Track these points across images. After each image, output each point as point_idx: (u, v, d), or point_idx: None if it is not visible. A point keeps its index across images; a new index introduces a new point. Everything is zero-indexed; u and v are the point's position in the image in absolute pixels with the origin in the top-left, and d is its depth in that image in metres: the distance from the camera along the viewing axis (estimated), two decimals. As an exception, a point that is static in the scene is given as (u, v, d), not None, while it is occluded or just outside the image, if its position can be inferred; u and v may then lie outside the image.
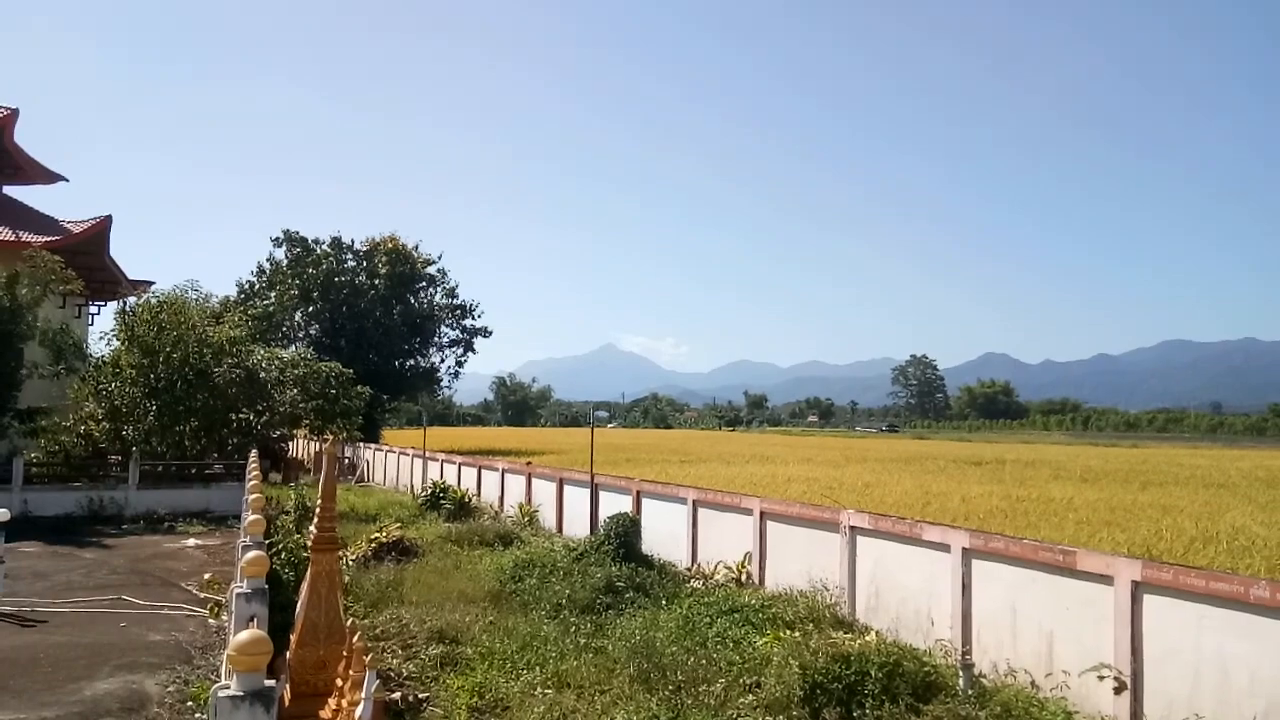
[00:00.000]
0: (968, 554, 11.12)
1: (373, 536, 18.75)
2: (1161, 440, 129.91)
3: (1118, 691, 8.87)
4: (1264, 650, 7.93)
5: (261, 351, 37.95)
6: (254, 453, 26.62)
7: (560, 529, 22.68)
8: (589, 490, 21.39)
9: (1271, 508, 23.36)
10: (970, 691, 8.97)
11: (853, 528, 13.21)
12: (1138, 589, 9.02)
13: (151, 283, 39.99)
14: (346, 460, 44.24)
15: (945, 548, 11.47)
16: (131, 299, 36.16)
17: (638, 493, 19.46)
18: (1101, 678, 8.97)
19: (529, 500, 24.79)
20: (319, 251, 63.73)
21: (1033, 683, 9.65)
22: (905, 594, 12.14)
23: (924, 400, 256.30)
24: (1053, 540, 12.80)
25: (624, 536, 16.72)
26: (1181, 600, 8.66)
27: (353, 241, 65.70)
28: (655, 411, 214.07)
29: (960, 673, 9.26)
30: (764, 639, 10.60)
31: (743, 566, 15.35)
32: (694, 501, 17.38)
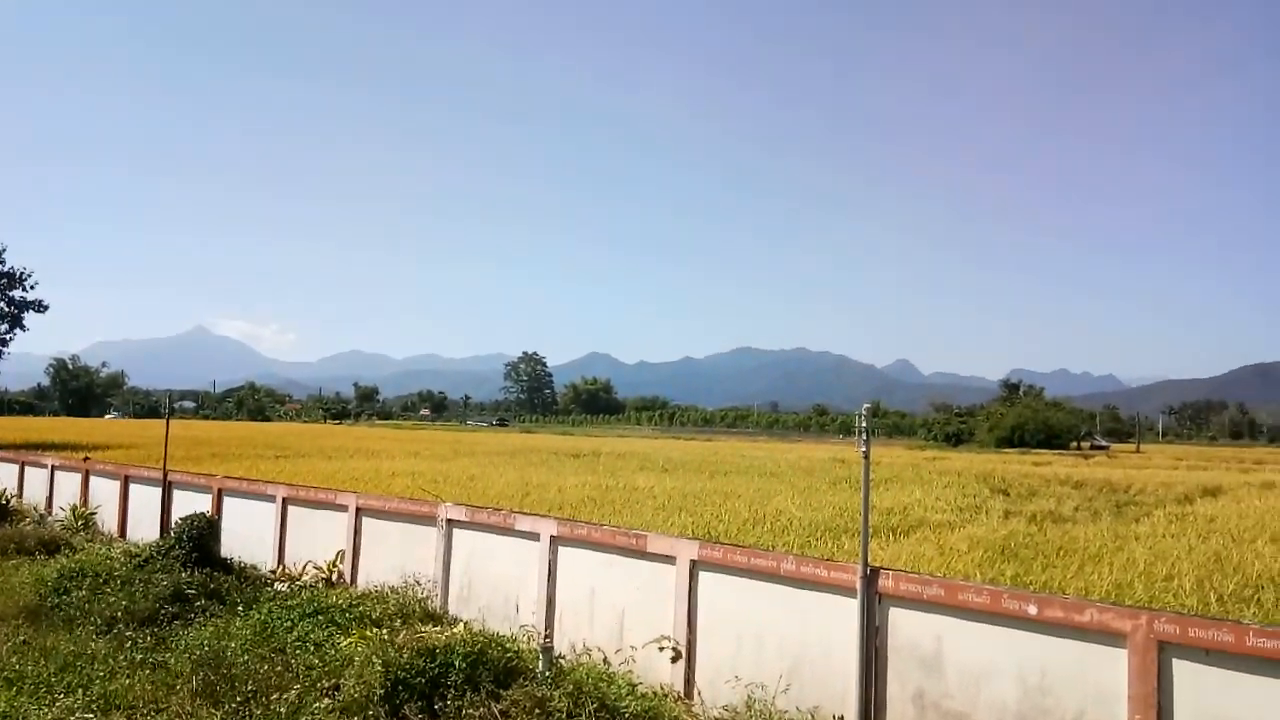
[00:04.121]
0: (555, 541, 11.69)
1: None
2: (731, 434, 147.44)
3: (674, 660, 9.87)
4: (790, 617, 9.27)
5: None
6: None
7: (123, 533, 20.15)
8: (161, 489, 19.21)
9: (808, 493, 27.45)
10: (549, 673, 9.42)
11: (449, 521, 13.27)
12: (695, 567, 10.10)
13: None
14: None
15: (535, 536, 11.95)
16: None
17: (219, 491, 17.88)
18: (662, 649, 9.92)
19: (85, 501, 21.71)
20: None
21: (605, 659, 10.39)
22: (496, 583, 12.46)
23: (534, 395, 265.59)
24: (633, 525, 13.90)
25: (199, 539, 15.25)
26: (729, 576, 9.84)
27: None
28: (252, 403, 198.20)
29: (540, 655, 9.69)
30: (349, 639, 10.26)
31: (334, 566, 14.74)
32: (284, 499, 16.36)
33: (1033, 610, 7.54)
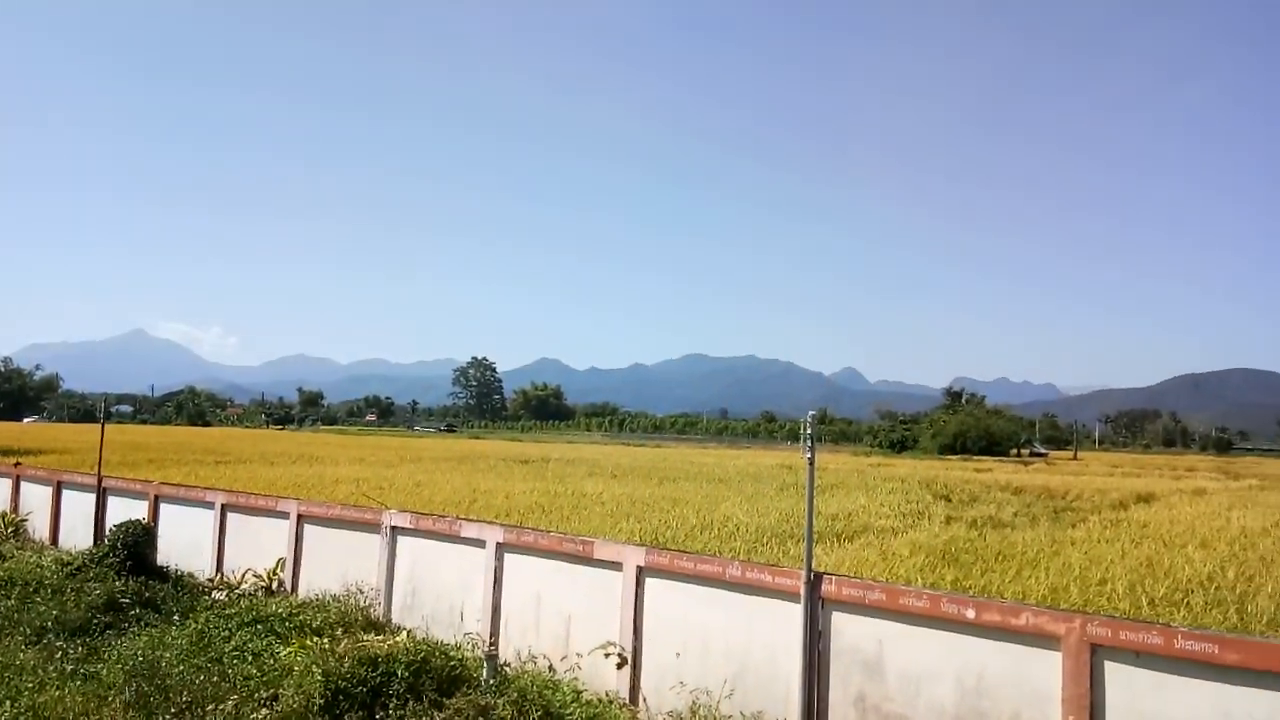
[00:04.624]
0: (501, 548, 11.61)
1: None
2: (680, 441, 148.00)
3: (620, 666, 9.86)
4: (736, 622, 9.32)
5: None
6: None
7: (55, 540, 19.54)
8: (95, 495, 18.68)
9: (755, 499, 27.68)
10: (493, 681, 9.35)
11: (394, 528, 13.11)
12: (641, 573, 10.11)
13: None
14: None
15: (481, 543, 11.86)
16: None
17: (156, 497, 17.44)
18: (608, 655, 9.91)
19: (15, 508, 21.03)
20: None
21: (551, 666, 10.34)
22: (441, 590, 12.33)
23: (483, 401, 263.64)
24: (580, 532, 13.88)
25: (134, 547, 14.89)
26: (676, 582, 9.87)
27: None
28: (192, 407, 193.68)
29: (485, 663, 9.61)
30: (288, 649, 10.06)
31: (274, 573, 14.46)
32: (223, 506, 16.01)
33: (971, 614, 7.69)
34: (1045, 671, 7.30)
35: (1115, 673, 7.03)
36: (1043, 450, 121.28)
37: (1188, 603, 12.84)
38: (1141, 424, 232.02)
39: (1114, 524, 23.36)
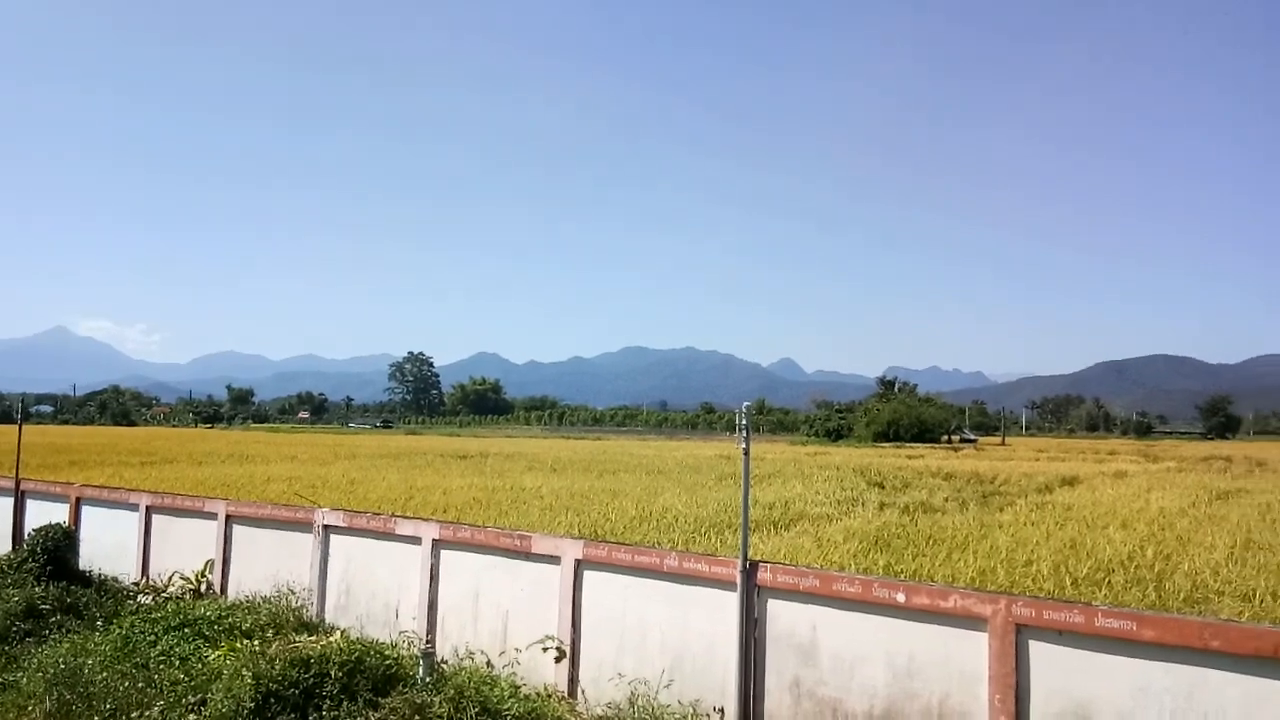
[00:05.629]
0: (437, 545, 11.48)
1: None
2: (620, 433, 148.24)
3: (559, 660, 9.84)
4: (673, 612, 9.37)
5: None
6: None
7: (-31, 547, 18.73)
8: (13, 499, 17.96)
9: (694, 489, 27.88)
10: (429, 679, 9.25)
11: (326, 526, 12.87)
12: (579, 566, 10.09)
13: None
14: None
15: (417, 540, 11.71)
16: None
17: (78, 499, 16.84)
18: (546, 649, 9.88)
19: (-76, 515, 20.08)
20: None
21: (489, 662, 10.28)
22: (376, 589, 12.15)
23: (420, 396, 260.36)
24: (519, 526, 13.82)
25: (55, 551, 14.38)
26: (614, 574, 9.88)
27: None
28: (116, 406, 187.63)
29: (421, 661, 9.51)
30: (217, 652, 9.82)
31: (203, 575, 14.10)
32: (148, 507, 15.53)
33: (901, 598, 7.85)
34: (973, 652, 7.49)
35: (1039, 651, 7.24)
36: (972, 436, 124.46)
37: (1109, 582, 13.30)
38: (1066, 409, 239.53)
39: (1040, 507, 24.08)
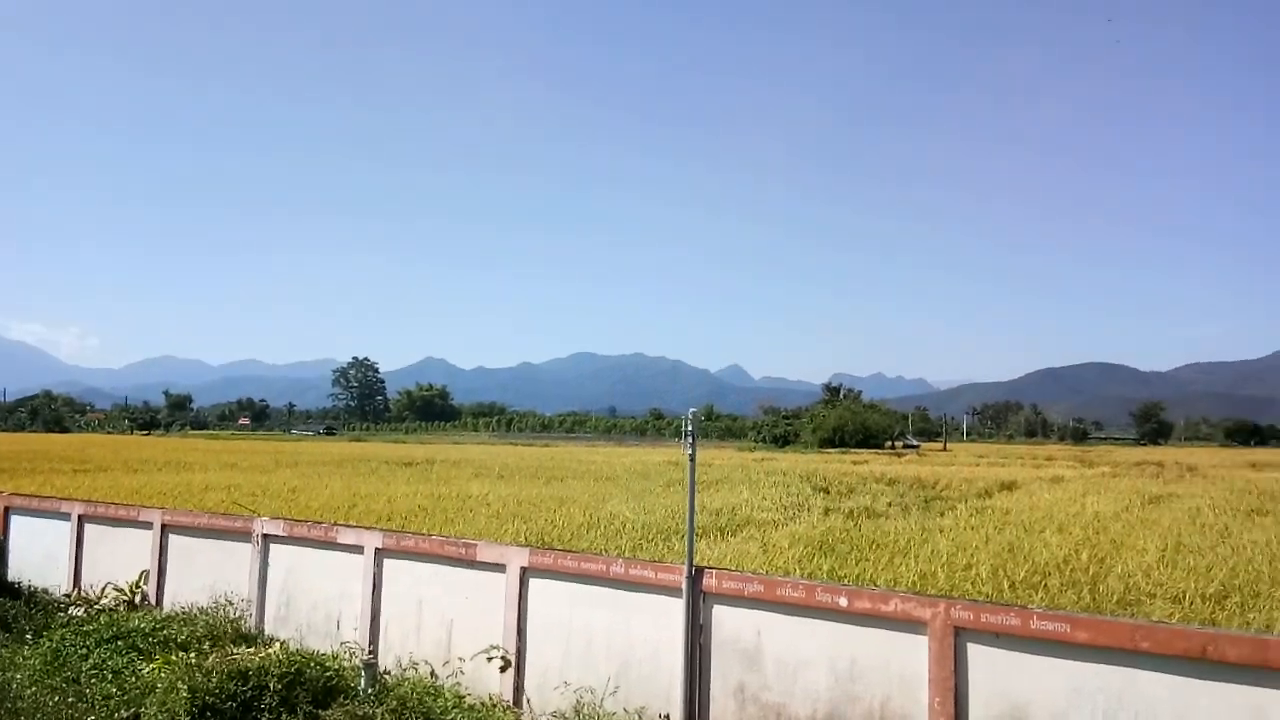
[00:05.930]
0: (380, 554, 11.32)
1: None
2: (569, 439, 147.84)
3: (504, 669, 9.77)
4: (619, 619, 9.35)
5: None
6: None
7: (-113, 560, 17.98)
8: (-66, 509, 17.29)
9: (642, 495, 27.90)
10: (371, 690, 9.12)
11: (266, 536, 12.62)
12: (525, 574, 10.03)
13: None
14: None
15: (359, 549, 11.53)
16: None
17: (5, 508, 16.28)
18: (491, 658, 9.80)
19: None
20: None
21: (432, 672, 10.16)
22: (317, 599, 11.93)
23: (365, 402, 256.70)
24: (465, 534, 13.69)
25: (-21, 563, 13.86)
26: (560, 581, 9.83)
27: None
28: (49, 413, 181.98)
29: (363, 672, 9.37)
30: (152, 665, 9.56)
31: (137, 587, 13.72)
32: (81, 516, 15.07)
33: (843, 602, 7.95)
34: (913, 655, 7.61)
35: (977, 654, 7.38)
36: (915, 442, 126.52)
37: (1045, 584, 13.61)
38: (1005, 416, 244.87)
39: (979, 511, 24.57)
